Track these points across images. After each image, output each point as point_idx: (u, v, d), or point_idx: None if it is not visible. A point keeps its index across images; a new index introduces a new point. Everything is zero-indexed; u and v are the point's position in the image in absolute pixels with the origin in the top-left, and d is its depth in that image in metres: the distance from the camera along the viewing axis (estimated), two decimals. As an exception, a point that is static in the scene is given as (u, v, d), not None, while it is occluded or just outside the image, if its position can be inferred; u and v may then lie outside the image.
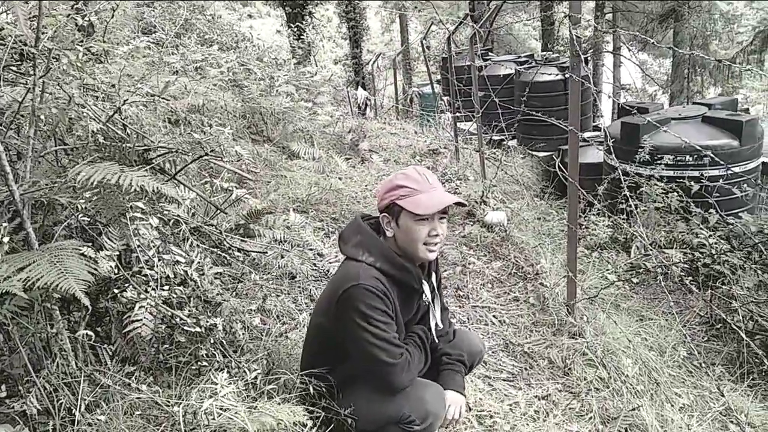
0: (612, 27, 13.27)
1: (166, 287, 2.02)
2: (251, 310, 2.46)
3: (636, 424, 2.53)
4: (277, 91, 5.54)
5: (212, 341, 2.08)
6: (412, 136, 7.97)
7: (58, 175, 1.98)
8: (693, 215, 4.53)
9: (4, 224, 1.68)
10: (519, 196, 6.15)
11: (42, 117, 1.98)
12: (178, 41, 5.48)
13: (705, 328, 3.82)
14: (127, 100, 2.32)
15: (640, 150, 5.28)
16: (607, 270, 4.14)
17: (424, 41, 11.27)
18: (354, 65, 16.00)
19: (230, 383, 1.82)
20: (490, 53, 11.73)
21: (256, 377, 2.00)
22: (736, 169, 5.26)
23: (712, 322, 3.81)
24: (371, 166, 6.02)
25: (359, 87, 12.49)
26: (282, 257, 3.25)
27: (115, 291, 1.98)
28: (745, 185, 5.19)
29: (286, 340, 2.51)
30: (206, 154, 2.58)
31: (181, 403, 1.77)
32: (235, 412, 1.71)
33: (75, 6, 2.65)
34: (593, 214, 5.07)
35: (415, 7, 18.22)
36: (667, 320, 3.64)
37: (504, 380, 2.82)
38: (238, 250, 2.94)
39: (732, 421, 2.67)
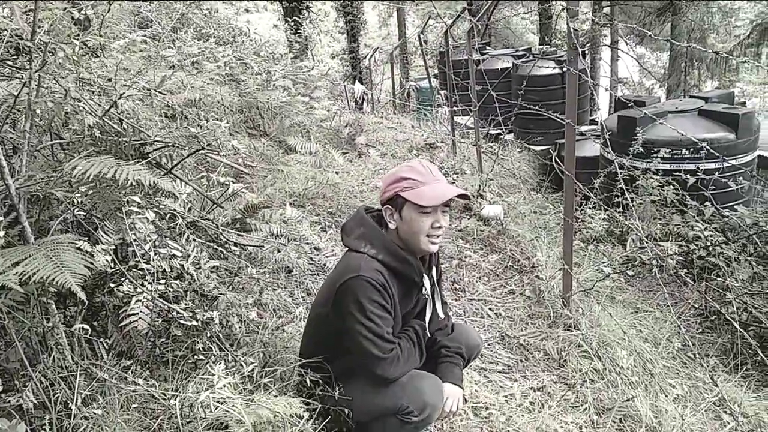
0: (609, 20, 13.23)
1: (163, 281, 2.03)
2: (248, 303, 2.47)
3: (630, 414, 2.55)
4: (274, 85, 5.53)
5: (209, 335, 2.09)
6: (409, 130, 7.97)
7: (54, 170, 1.98)
8: (689, 208, 4.54)
9: (0, 218, 1.69)
10: (516, 189, 6.16)
11: (38, 111, 1.98)
12: (175, 36, 5.46)
13: (699, 319, 3.84)
14: (123, 94, 2.32)
15: (634, 143, 5.29)
16: (603, 263, 4.16)
17: (421, 35, 11.25)
18: (351, 59, 15.97)
19: (227, 375, 1.83)
20: (487, 47, 11.70)
21: (252, 370, 2.01)
22: (733, 162, 5.27)
23: (707, 314, 3.83)
24: (368, 161, 6.02)
25: (356, 81, 12.46)
26: (279, 251, 3.26)
27: (112, 285, 1.98)
28: (741, 178, 5.20)
29: (282, 334, 2.52)
30: (203, 148, 2.58)
31: (177, 396, 1.78)
32: (232, 405, 1.73)
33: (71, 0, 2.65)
34: (589, 208, 5.09)
35: (413, 1, 18.16)
36: (661, 312, 3.67)
37: (500, 372, 2.83)
38: (235, 244, 2.94)
39: (725, 411, 2.69)
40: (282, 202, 4.05)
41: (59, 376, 1.77)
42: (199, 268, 2.23)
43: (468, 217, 4.61)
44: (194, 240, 2.46)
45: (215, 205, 2.90)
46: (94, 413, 1.73)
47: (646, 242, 3.81)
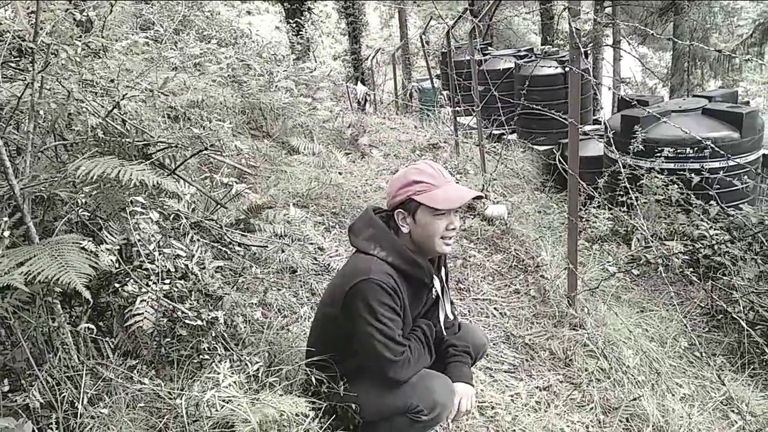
0: (612, 20, 13.22)
1: (167, 281, 2.03)
2: (252, 303, 2.47)
3: (637, 413, 2.54)
4: (276, 86, 5.53)
5: (214, 334, 2.08)
6: (411, 130, 7.97)
7: (58, 170, 1.99)
8: (694, 207, 4.53)
9: (5, 219, 1.69)
10: (519, 189, 6.15)
11: (41, 112, 1.98)
12: (177, 37, 5.47)
13: (706, 318, 3.83)
14: (126, 95, 2.32)
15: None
16: (608, 262, 4.15)
17: (423, 36, 11.25)
18: (353, 61, 15.98)
19: (232, 374, 1.83)
20: (489, 48, 11.70)
21: (258, 370, 2.01)
22: (737, 161, 5.25)
23: (713, 313, 3.81)
24: (371, 161, 6.02)
25: (358, 82, 12.47)
26: (282, 251, 3.25)
27: (116, 285, 1.98)
28: (746, 177, 5.18)
29: (287, 333, 2.52)
30: (206, 149, 2.58)
31: (183, 395, 1.78)
32: (238, 404, 1.72)
33: (73, 1, 2.65)
34: (594, 207, 5.07)
35: (415, 2, 18.17)
36: (667, 311, 3.65)
37: (505, 372, 2.82)
38: (239, 244, 2.94)
39: (733, 411, 2.68)
40: (285, 203, 4.05)
41: (65, 375, 1.77)
42: (204, 268, 2.23)
43: (472, 216, 4.60)
44: (198, 240, 2.45)
45: (219, 206, 2.90)
46: (101, 412, 1.73)
47: (651, 241, 3.80)
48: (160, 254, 2.05)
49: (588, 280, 3.56)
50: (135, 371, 1.91)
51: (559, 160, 3.88)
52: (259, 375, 2.01)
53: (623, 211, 4.61)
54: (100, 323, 2.08)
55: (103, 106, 2.28)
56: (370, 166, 5.80)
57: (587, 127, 7.66)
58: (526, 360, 2.93)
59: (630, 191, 3.02)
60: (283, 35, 13.74)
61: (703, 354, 3.15)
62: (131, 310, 1.93)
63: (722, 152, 3.60)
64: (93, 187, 1.98)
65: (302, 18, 12.66)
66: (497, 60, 9.71)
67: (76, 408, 1.72)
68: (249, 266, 2.78)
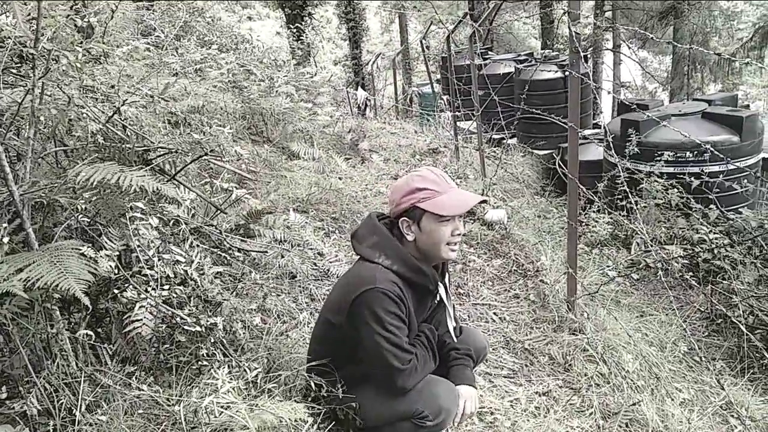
0: (611, 24, 13.26)
1: (166, 287, 2.03)
2: (251, 309, 2.46)
3: (637, 418, 2.53)
4: (276, 91, 5.55)
5: (213, 341, 2.08)
6: (412, 135, 7.98)
7: (58, 176, 1.99)
8: (693, 211, 4.53)
9: (4, 225, 1.69)
10: (519, 194, 6.15)
11: (41, 118, 1.99)
12: (178, 43, 5.49)
13: (705, 323, 3.82)
14: (127, 100, 2.33)
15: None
16: (608, 266, 4.15)
17: (423, 41, 11.28)
18: (353, 66, 16.01)
19: (231, 380, 1.83)
20: (489, 52, 11.73)
21: (256, 376, 2.01)
22: (737, 165, 5.25)
23: (713, 317, 3.81)
24: (371, 166, 6.02)
25: (359, 87, 12.50)
26: (282, 257, 3.25)
27: (115, 291, 1.98)
28: (746, 181, 5.18)
29: (286, 339, 2.52)
30: (206, 154, 2.59)
31: (182, 402, 1.78)
32: (236, 410, 1.72)
33: (74, 7, 2.66)
34: (593, 211, 5.07)
35: (415, 7, 18.22)
36: (667, 316, 3.65)
37: (505, 377, 2.82)
38: (238, 250, 2.95)
39: (733, 415, 2.67)
40: (285, 208, 4.06)
41: (63, 382, 1.77)
42: (203, 273, 2.23)
43: (472, 221, 4.60)
44: (198, 246, 2.46)
45: (219, 211, 2.91)
46: (99, 419, 1.73)
47: (651, 246, 3.80)
48: (159, 260, 2.05)
49: (588, 284, 3.56)
50: (133, 378, 1.91)
51: (558, 164, 3.88)
52: (258, 381, 2.01)
53: (623, 216, 4.61)
54: (99, 329, 2.08)
55: (103, 112, 2.29)
56: (371, 171, 5.80)
57: (587, 132, 7.68)
58: (526, 365, 2.93)
59: (629, 195, 3.02)
60: (283, 40, 13.79)
61: (703, 358, 3.14)
62: (130, 316, 1.94)
63: (722, 156, 3.60)
64: (93, 193, 1.99)
65: (303, 23, 12.69)
66: (497, 64, 9.73)
67: (74, 415, 1.72)
68: (248, 272, 2.79)
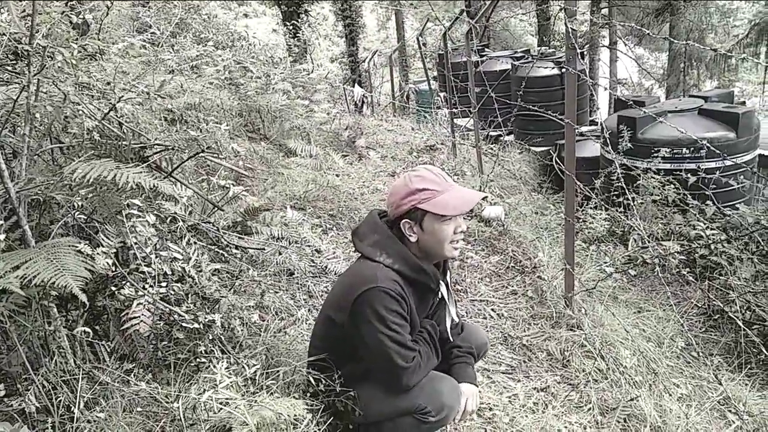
0: (608, 21, 13.26)
1: (164, 284, 2.02)
2: (249, 306, 2.46)
3: (635, 414, 2.54)
4: (273, 89, 5.54)
5: (211, 337, 2.08)
6: (409, 132, 7.97)
7: (54, 173, 1.98)
8: (690, 207, 4.54)
9: (1, 222, 1.68)
10: (516, 190, 6.15)
11: (37, 115, 1.98)
12: (174, 40, 5.47)
13: (703, 318, 3.83)
14: (123, 97, 2.32)
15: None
16: (605, 263, 4.15)
17: (420, 38, 11.27)
18: (350, 63, 16.00)
19: (230, 376, 1.82)
20: (486, 49, 11.72)
21: (255, 373, 2.00)
22: (733, 161, 5.27)
23: (710, 313, 3.82)
24: (368, 163, 6.02)
25: (356, 84, 12.48)
26: (280, 254, 3.25)
27: (113, 288, 1.98)
28: (742, 177, 5.19)
29: (284, 336, 2.51)
30: (203, 152, 2.58)
31: (180, 398, 1.78)
32: (235, 407, 1.72)
33: (69, 4, 2.65)
34: (590, 208, 5.08)
35: (411, 4, 18.20)
36: (664, 311, 3.66)
37: (503, 373, 2.82)
38: (236, 247, 2.94)
39: (730, 410, 2.68)
40: (283, 205, 4.05)
41: (61, 379, 1.77)
42: (201, 271, 2.22)
43: (469, 218, 4.60)
44: (195, 243, 2.45)
45: (216, 208, 2.90)
46: (97, 417, 1.72)
47: (648, 242, 3.81)
48: (156, 257, 2.05)
49: (585, 280, 3.56)
50: (131, 375, 1.90)
51: (555, 161, 3.89)
52: (257, 378, 2.00)
53: (620, 212, 4.62)
54: (97, 327, 2.08)
55: (99, 109, 2.28)
56: (368, 168, 5.80)
57: (584, 128, 7.69)
58: (524, 361, 2.93)
59: (626, 192, 3.03)
60: (280, 38, 13.75)
61: (700, 354, 3.15)
62: (128, 314, 1.93)
63: (718, 152, 3.61)
64: (89, 190, 1.98)
65: (299, 20, 12.67)
66: (494, 61, 9.73)
67: (72, 412, 1.71)
68: (246, 269, 2.78)
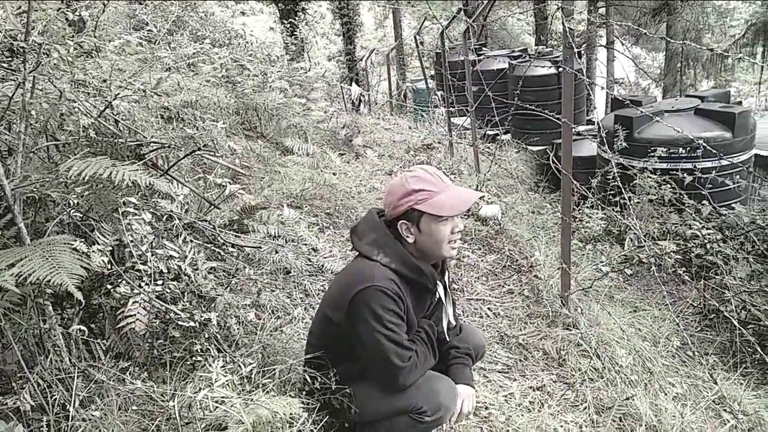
0: (605, 21, 13.28)
1: (160, 282, 2.02)
2: (246, 305, 2.46)
3: (630, 413, 2.54)
4: (270, 87, 5.53)
5: (207, 336, 2.08)
6: (406, 131, 7.97)
7: (50, 171, 1.98)
8: (686, 207, 4.55)
9: (-4, 220, 1.68)
10: (513, 189, 6.16)
11: (33, 112, 1.97)
12: (170, 38, 5.46)
13: (698, 318, 3.84)
14: (119, 95, 2.31)
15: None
16: (601, 262, 4.16)
17: (417, 37, 11.27)
18: (347, 61, 15.98)
19: (225, 375, 1.82)
20: (483, 48, 11.72)
21: (251, 371, 2.00)
22: (729, 161, 5.28)
23: (705, 313, 3.83)
24: (365, 162, 6.01)
25: (353, 83, 12.47)
26: (276, 252, 3.25)
27: (109, 286, 1.97)
28: (738, 177, 5.21)
29: (281, 335, 2.51)
30: (199, 149, 2.58)
31: (176, 396, 1.77)
32: (231, 405, 1.72)
33: (65, 1, 2.64)
34: (587, 207, 5.09)
35: (409, 3, 18.19)
36: (660, 311, 3.66)
37: (499, 372, 2.83)
38: (232, 245, 2.94)
39: (725, 410, 2.69)
40: (279, 204, 4.05)
41: (57, 377, 1.76)
42: (197, 269, 2.22)
43: (466, 217, 4.60)
44: (191, 241, 2.45)
45: (212, 207, 2.89)
46: (92, 415, 1.72)
47: (644, 241, 3.81)
48: (152, 255, 2.05)
49: (581, 279, 3.57)
50: (127, 373, 1.90)
51: (552, 160, 3.89)
52: (253, 376, 2.00)
53: (616, 211, 4.63)
54: (92, 325, 2.07)
55: (95, 107, 2.27)
56: (365, 166, 5.80)
57: (581, 128, 7.70)
58: (520, 360, 2.94)
59: (623, 191, 3.03)
60: (277, 36, 13.74)
61: (696, 353, 3.16)
62: (123, 312, 1.93)
63: (714, 152, 3.62)
64: (85, 188, 1.97)
65: (297, 19, 12.65)
66: (491, 60, 9.73)
67: (67, 411, 1.71)
68: (242, 267, 2.78)
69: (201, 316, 2.03)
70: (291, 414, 1.78)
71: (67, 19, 2.44)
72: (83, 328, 1.83)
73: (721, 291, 3.79)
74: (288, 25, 12.03)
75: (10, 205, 1.76)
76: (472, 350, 2.13)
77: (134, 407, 1.83)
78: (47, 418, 1.69)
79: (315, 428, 1.92)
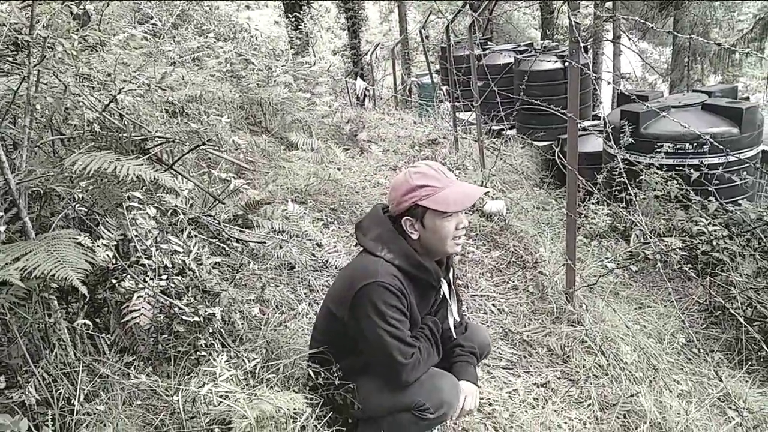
0: (611, 15, 13.20)
1: (164, 277, 2.02)
2: (250, 300, 2.46)
3: (634, 410, 2.54)
4: (275, 81, 5.52)
5: (211, 331, 2.08)
6: (411, 126, 7.95)
7: (55, 165, 1.98)
8: (692, 203, 4.52)
9: (1, 214, 1.68)
10: (518, 185, 6.14)
11: (38, 106, 1.97)
12: (175, 32, 5.45)
13: (704, 315, 3.83)
14: (123, 89, 2.31)
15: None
16: (606, 258, 4.14)
17: (422, 31, 11.21)
18: (352, 56, 15.93)
19: (230, 369, 1.82)
20: (489, 42, 11.67)
21: (255, 366, 2.00)
22: (736, 157, 5.24)
23: (711, 309, 3.82)
24: (370, 157, 6.00)
25: (358, 77, 12.44)
26: (281, 247, 3.25)
27: (113, 281, 1.97)
28: (745, 173, 5.17)
29: (285, 330, 2.51)
30: (204, 144, 2.57)
31: (181, 389, 1.78)
32: (235, 400, 1.72)
33: (69, -5, 2.63)
34: (593, 203, 5.07)
35: (414, -3, 18.11)
36: (666, 308, 3.65)
37: (503, 368, 2.82)
38: (237, 240, 2.94)
39: (730, 407, 2.68)
40: (284, 199, 4.04)
41: (61, 372, 1.77)
42: (201, 264, 2.22)
43: (470, 212, 4.59)
44: (196, 236, 2.45)
45: (217, 201, 2.89)
46: (97, 409, 1.72)
47: (650, 237, 3.80)
48: (157, 250, 2.05)
49: (586, 276, 3.56)
50: (132, 368, 1.90)
51: (558, 155, 3.87)
52: (257, 371, 2.00)
53: (622, 207, 4.61)
54: (97, 319, 2.07)
55: (100, 101, 2.27)
56: (369, 161, 5.79)
57: (587, 123, 7.66)
58: (524, 356, 2.93)
59: (629, 187, 3.01)
60: (282, 30, 13.70)
61: (701, 350, 3.15)
62: (128, 306, 1.93)
63: (722, 148, 3.59)
64: (90, 182, 1.97)
65: (301, 12, 12.60)
66: (497, 55, 9.68)
67: (72, 405, 1.71)
68: (247, 262, 2.78)
69: (205, 311, 2.03)
70: (295, 409, 1.78)
71: (71, 13, 2.43)
72: (88, 322, 1.83)
73: (727, 288, 3.77)
74: (293, 19, 11.99)
75: (15, 199, 1.76)
76: (476, 349, 2.12)
77: (139, 401, 1.84)
78: (52, 412, 1.69)
79: (318, 424, 1.92)
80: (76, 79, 2.19)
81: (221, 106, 4.25)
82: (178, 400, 1.77)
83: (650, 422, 2.47)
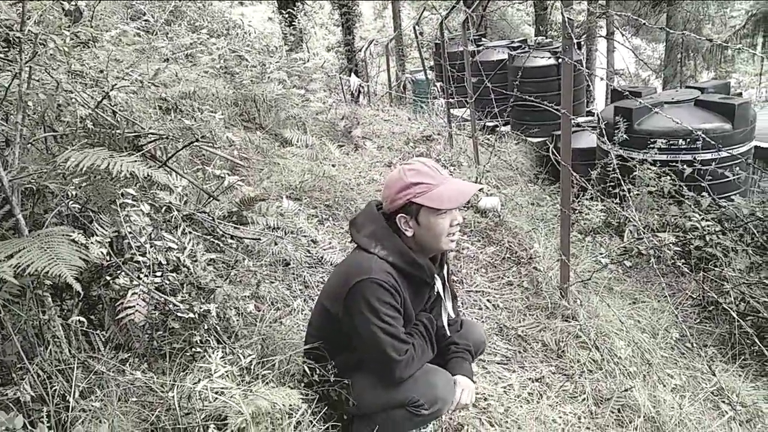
0: (605, 11, 13.22)
1: (159, 274, 2.02)
2: (245, 296, 2.46)
3: (629, 404, 2.55)
4: (269, 78, 5.51)
5: (206, 327, 2.08)
6: (405, 122, 7.95)
7: (48, 162, 1.97)
8: (686, 198, 4.55)
9: (-7, 211, 1.67)
10: (512, 181, 6.15)
11: (30, 103, 1.96)
12: (168, 28, 5.43)
13: (697, 310, 3.85)
14: (116, 85, 2.30)
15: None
16: (600, 254, 4.16)
17: (416, 27, 11.22)
18: (347, 52, 15.90)
19: (225, 366, 1.82)
20: (483, 39, 11.67)
21: (250, 362, 2.00)
22: (729, 152, 5.27)
23: (705, 304, 3.84)
24: (364, 153, 6.00)
25: (352, 74, 12.41)
26: (275, 244, 3.24)
27: (108, 278, 1.97)
28: (738, 168, 5.20)
29: (280, 326, 2.51)
30: (197, 140, 2.57)
31: (176, 386, 1.77)
32: (231, 396, 1.72)
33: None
34: (586, 199, 5.09)
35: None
36: (659, 303, 3.67)
37: (498, 363, 2.83)
38: (231, 237, 2.93)
39: (724, 401, 2.70)
40: (278, 195, 4.04)
41: (56, 368, 1.76)
42: (196, 260, 2.21)
43: (465, 208, 4.60)
44: (190, 233, 2.44)
45: (211, 198, 2.89)
46: (92, 406, 1.72)
47: (644, 233, 3.81)
48: (151, 247, 2.04)
49: (580, 271, 3.57)
50: (127, 364, 1.90)
51: (552, 151, 3.88)
52: (252, 367, 2.00)
53: (616, 203, 4.63)
54: (92, 316, 2.07)
55: (92, 97, 2.26)
56: (364, 158, 5.78)
57: (580, 119, 7.68)
58: (519, 352, 2.94)
59: (622, 183, 3.03)
60: (275, 26, 13.66)
61: (694, 345, 3.17)
62: (123, 303, 1.92)
63: (714, 143, 3.62)
64: (83, 179, 1.96)
65: (295, 9, 12.56)
66: (491, 51, 9.69)
67: (67, 401, 1.71)
68: (242, 259, 2.78)
69: (200, 308, 2.03)
70: (290, 405, 1.78)
71: (63, 9, 2.42)
72: (83, 319, 1.83)
73: (720, 283, 3.80)
74: (286, 16, 11.96)
75: (8, 196, 1.75)
76: (471, 347, 2.13)
77: (134, 398, 1.83)
78: (47, 409, 1.69)
79: (314, 419, 1.93)
80: (69, 75, 2.18)
81: (215, 103, 4.24)
82: (173, 397, 1.77)
83: (644, 416, 2.48)
